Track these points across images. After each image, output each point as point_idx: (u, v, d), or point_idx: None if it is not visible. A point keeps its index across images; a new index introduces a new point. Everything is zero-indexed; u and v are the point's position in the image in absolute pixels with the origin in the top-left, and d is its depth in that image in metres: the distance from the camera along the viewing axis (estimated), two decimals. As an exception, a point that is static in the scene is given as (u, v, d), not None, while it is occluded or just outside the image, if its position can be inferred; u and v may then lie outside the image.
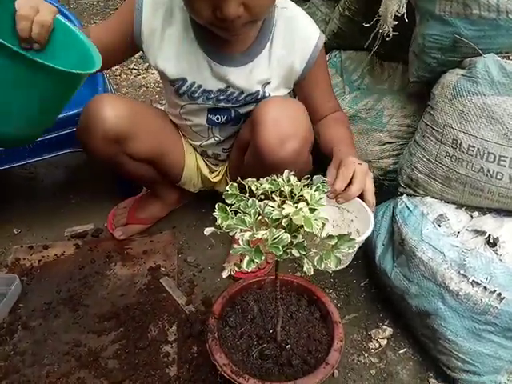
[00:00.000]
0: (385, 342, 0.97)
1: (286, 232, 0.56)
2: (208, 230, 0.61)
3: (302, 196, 0.60)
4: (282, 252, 0.54)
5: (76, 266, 1.17)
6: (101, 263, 1.18)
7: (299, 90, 1.05)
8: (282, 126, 0.87)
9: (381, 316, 1.03)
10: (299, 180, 0.64)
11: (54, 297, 1.08)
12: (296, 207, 0.56)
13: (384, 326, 1.00)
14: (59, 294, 1.09)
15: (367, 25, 1.05)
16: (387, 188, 1.16)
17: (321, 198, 0.57)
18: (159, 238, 1.27)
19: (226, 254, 1.18)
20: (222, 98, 1.01)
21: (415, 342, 0.96)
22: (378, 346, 0.97)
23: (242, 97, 1.00)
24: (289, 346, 0.79)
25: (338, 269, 0.57)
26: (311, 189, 0.62)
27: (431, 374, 0.91)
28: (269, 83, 0.99)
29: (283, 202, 0.60)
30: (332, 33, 1.42)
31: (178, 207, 1.34)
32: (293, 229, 0.56)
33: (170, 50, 0.97)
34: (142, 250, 1.22)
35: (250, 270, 0.55)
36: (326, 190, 0.62)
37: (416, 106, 1.09)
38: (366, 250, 1.10)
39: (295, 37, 0.96)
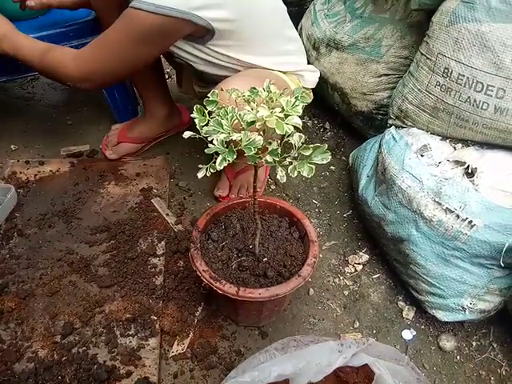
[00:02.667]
0: (360, 267, 1.02)
1: (259, 135, 0.57)
2: (187, 134, 0.62)
3: (278, 103, 0.60)
4: (253, 151, 0.56)
5: (71, 182, 1.21)
6: (95, 181, 1.21)
7: None
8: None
9: (359, 244, 1.07)
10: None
11: (49, 209, 1.13)
12: (271, 111, 0.57)
13: (361, 253, 1.05)
14: (54, 206, 1.14)
15: None
16: (379, 122, 1.16)
17: (297, 105, 0.57)
18: (152, 162, 1.29)
19: (216, 181, 1.21)
20: None
21: (389, 268, 1.01)
22: (353, 270, 1.02)
23: None
24: (265, 259, 0.83)
25: (309, 176, 0.59)
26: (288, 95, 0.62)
27: (400, 298, 0.96)
28: None
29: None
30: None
31: (172, 133, 1.35)
32: (267, 133, 0.57)
33: None
34: (136, 172, 1.25)
35: (221, 167, 0.57)
36: (305, 100, 0.62)
37: (416, 36, 1.05)
38: (352, 182, 1.12)
39: None
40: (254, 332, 0.90)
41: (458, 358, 0.86)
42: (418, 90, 0.90)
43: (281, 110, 0.56)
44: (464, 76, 0.80)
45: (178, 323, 0.91)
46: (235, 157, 0.56)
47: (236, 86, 0.81)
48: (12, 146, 1.32)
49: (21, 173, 1.21)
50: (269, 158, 0.57)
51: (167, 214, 1.12)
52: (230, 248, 0.86)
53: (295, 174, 0.58)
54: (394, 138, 0.93)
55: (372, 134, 1.16)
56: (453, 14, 0.83)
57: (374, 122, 1.17)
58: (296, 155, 0.61)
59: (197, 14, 0.82)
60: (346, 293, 0.98)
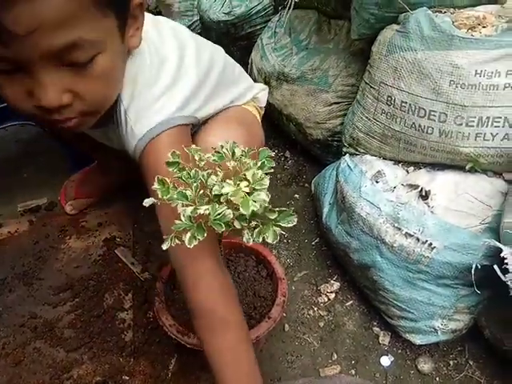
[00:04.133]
0: (333, 295, 1.02)
1: (228, 208, 0.56)
2: (147, 201, 0.60)
3: (244, 175, 0.59)
4: (224, 228, 0.54)
5: (30, 241, 1.16)
6: (55, 237, 1.18)
7: None
8: None
9: (329, 272, 1.07)
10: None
11: (9, 272, 1.08)
12: (238, 185, 0.56)
13: (332, 281, 1.04)
14: (13, 269, 1.09)
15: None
16: (336, 149, 1.17)
17: (264, 178, 0.56)
18: (114, 209, 1.26)
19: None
20: None
21: (360, 294, 1.01)
22: (326, 299, 1.01)
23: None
24: (234, 304, 0.82)
25: (273, 242, 0.58)
26: (256, 163, 0.60)
27: (375, 323, 0.96)
28: None
29: (226, 177, 0.59)
30: (281, -9, 1.39)
31: (131, 178, 1.33)
32: (234, 205, 0.56)
33: None
34: (97, 222, 1.22)
35: (191, 246, 0.53)
36: (270, 166, 0.61)
37: (359, 64, 1.09)
38: (317, 209, 1.13)
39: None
40: (232, 379, 0.87)
41: (437, 379, 0.86)
42: (366, 117, 0.92)
43: (247, 183, 0.55)
44: (406, 103, 0.82)
45: (151, 380, 0.87)
46: (205, 235, 0.54)
47: (217, 134, 0.78)
48: (-35, 207, 1.27)
49: (-23, 237, 1.16)
50: (237, 225, 0.56)
51: (132, 263, 1.09)
52: (197, 296, 0.84)
53: (260, 239, 0.57)
54: (349, 167, 0.94)
55: (330, 161, 1.18)
56: (390, 44, 0.87)
57: (331, 149, 1.19)
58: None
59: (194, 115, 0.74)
60: (322, 324, 0.97)
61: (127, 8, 0.61)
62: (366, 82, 0.94)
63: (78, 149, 1.22)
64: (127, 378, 0.86)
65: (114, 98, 0.69)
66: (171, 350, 0.91)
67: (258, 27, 1.59)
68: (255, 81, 1.38)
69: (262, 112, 1.07)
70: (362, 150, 0.96)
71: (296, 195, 1.29)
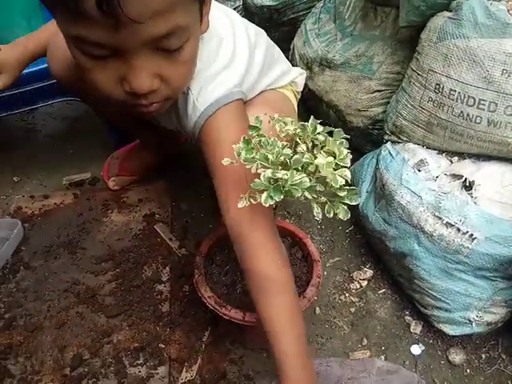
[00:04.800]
0: (365, 283, 1.02)
1: (306, 176, 0.57)
2: (226, 161, 0.59)
3: (329, 149, 0.60)
4: (300, 193, 0.55)
5: (75, 213, 1.22)
6: (98, 211, 1.23)
7: None
8: None
9: (363, 259, 1.08)
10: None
11: (54, 241, 1.14)
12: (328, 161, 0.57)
13: (365, 269, 1.05)
14: (59, 238, 1.15)
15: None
16: (376, 137, 1.17)
17: (347, 156, 0.58)
18: (154, 187, 1.30)
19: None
20: None
21: (393, 283, 1.01)
22: (358, 286, 1.02)
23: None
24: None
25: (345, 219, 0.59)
26: (335, 141, 0.60)
27: (407, 312, 0.96)
28: None
29: (311, 148, 0.61)
30: (327, -23, 1.37)
31: (173, 157, 1.37)
32: (311, 174, 0.57)
33: None
34: (138, 198, 1.26)
35: (267, 205, 0.55)
36: (347, 147, 0.62)
37: (406, 52, 1.07)
38: (353, 197, 1.13)
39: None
40: (262, 355, 0.90)
41: (468, 371, 0.86)
42: (412, 105, 0.91)
43: (333, 159, 0.56)
44: (455, 91, 0.81)
45: (186, 349, 0.91)
46: (282, 197, 0.56)
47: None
48: (15, 178, 1.34)
49: (26, 207, 1.22)
50: (308, 195, 0.58)
51: (170, 239, 1.13)
52: (234, 272, 0.86)
53: (331, 214, 0.58)
54: (391, 154, 0.94)
55: (369, 149, 1.17)
56: (441, 31, 0.85)
57: (371, 137, 1.18)
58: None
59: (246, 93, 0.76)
60: (353, 310, 0.98)
61: None
62: (413, 70, 0.92)
63: (122, 127, 1.27)
64: (163, 346, 0.90)
65: (190, 81, 0.71)
66: (205, 323, 0.94)
67: (301, 13, 1.58)
68: (296, 66, 1.39)
69: (299, 97, 1.08)
70: (405, 138, 0.95)
71: (332, 182, 1.29)
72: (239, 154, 0.57)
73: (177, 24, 0.54)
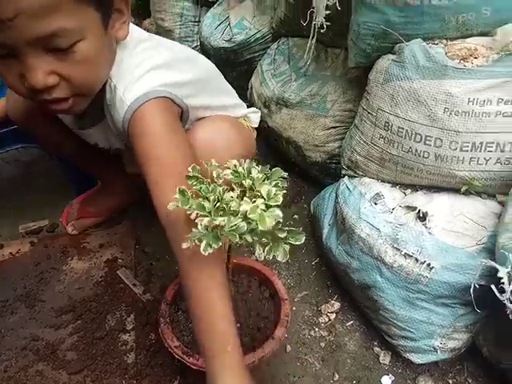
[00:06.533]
0: (333, 315, 1.03)
1: (242, 221, 0.58)
2: (171, 205, 0.61)
3: (259, 192, 0.62)
4: (237, 239, 0.57)
5: (32, 262, 1.17)
6: (57, 258, 1.18)
7: None
8: (217, 152, 0.82)
9: (330, 292, 1.09)
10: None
11: (10, 294, 1.08)
12: (254, 202, 0.58)
13: (333, 301, 1.06)
14: (15, 291, 1.09)
15: (308, 11, 1.08)
16: (334, 171, 1.21)
17: (278, 194, 0.59)
18: (116, 229, 1.28)
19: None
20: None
21: (361, 314, 1.02)
22: (327, 319, 1.03)
23: (112, 150, 0.99)
24: (238, 324, 0.83)
25: (283, 260, 0.61)
26: (270, 183, 0.63)
27: (375, 343, 0.97)
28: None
29: (243, 193, 0.62)
30: (279, 20, 1.45)
31: (134, 201, 1.35)
32: (248, 219, 0.58)
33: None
34: (99, 243, 1.23)
35: (206, 253, 0.56)
36: (283, 186, 0.64)
37: (357, 90, 1.13)
38: (316, 229, 1.15)
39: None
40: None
41: (438, 398, 0.87)
42: (364, 142, 0.95)
43: (262, 200, 0.58)
44: (403, 129, 0.86)
45: (155, 402, 0.87)
46: (220, 244, 0.57)
47: (206, 128, 0.86)
48: (-33, 229, 1.28)
49: (-22, 259, 1.17)
50: (248, 238, 0.59)
51: (134, 285, 1.10)
52: (201, 317, 0.85)
53: (271, 255, 0.60)
54: (349, 188, 0.97)
55: (329, 182, 1.21)
56: (386, 73, 0.91)
57: (329, 171, 1.23)
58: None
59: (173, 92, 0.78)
60: (323, 344, 0.98)
61: (109, 2, 0.70)
62: (363, 108, 0.98)
63: (83, 169, 1.25)
64: (130, 400, 0.86)
65: (102, 81, 0.76)
66: (174, 372, 0.91)
67: (257, 54, 1.64)
68: (255, 105, 1.43)
69: (255, 134, 1.11)
70: (361, 173, 0.99)
71: (295, 216, 1.31)
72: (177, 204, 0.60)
73: (60, 26, 0.61)
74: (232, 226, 0.57)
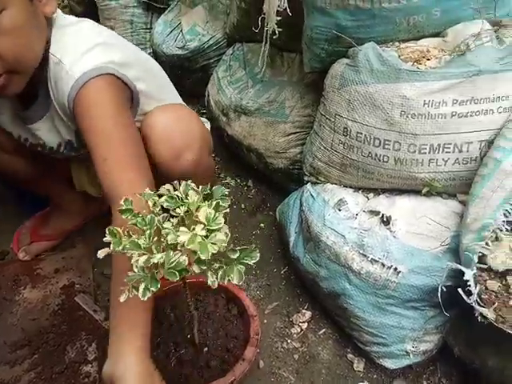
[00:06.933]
0: (305, 325, 1.01)
1: (183, 254, 0.54)
2: (101, 253, 0.59)
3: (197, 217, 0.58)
4: (178, 277, 0.53)
5: (-20, 294, 1.08)
6: (8, 288, 1.10)
7: None
8: (174, 140, 0.84)
9: (300, 301, 1.07)
10: (202, 185, 0.62)
11: (-43, 331, 0.99)
12: (193, 229, 0.54)
13: (304, 311, 1.04)
14: (-37, 327, 1.00)
15: (259, 17, 1.06)
16: (297, 177, 1.19)
17: (218, 216, 0.56)
18: (72, 253, 1.20)
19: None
20: (43, 149, 0.95)
21: (332, 321, 1.01)
22: (299, 330, 1.01)
23: (63, 148, 0.93)
24: (206, 348, 0.79)
25: (240, 283, 0.58)
26: (210, 204, 0.59)
27: (348, 350, 0.96)
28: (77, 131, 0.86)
29: (183, 220, 0.58)
30: (232, 25, 1.42)
31: (90, 219, 1.28)
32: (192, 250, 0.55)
33: (1, 113, 0.92)
34: (54, 268, 1.15)
35: (145, 298, 0.53)
36: (226, 205, 0.60)
37: (314, 95, 1.12)
38: (283, 237, 1.13)
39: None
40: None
41: (413, 401, 0.87)
42: (325, 148, 0.94)
43: (202, 226, 0.54)
44: (362, 134, 0.85)
45: None
46: (159, 286, 0.53)
47: (163, 116, 0.85)
48: None
49: None
50: (196, 269, 0.55)
51: (95, 311, 1.04)
52: (166, 343, 0.80)
53: (226, 280, 0.57)
54: (312, 196, 0.96)
55: (293, 188, 1.19)
56: (342, 78, 0.90)
57: (293, 177, 1.21)
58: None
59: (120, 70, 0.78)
60: (296, 357, 0.96)
61: None
62: (321, 114, 0.96)
63: (33, 190, 1.17)
64: None
65: (35, 57, 0.76)
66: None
67: (212, 60, 1.61)
68: (213, 113, 1.39)
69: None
70: (323, 179, 0.98)
71: (261, 224, 1.29)
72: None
73: None
74: (171, 263, 0.53)
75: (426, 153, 0.82)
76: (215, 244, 0.53)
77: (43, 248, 1.19)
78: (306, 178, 1.03)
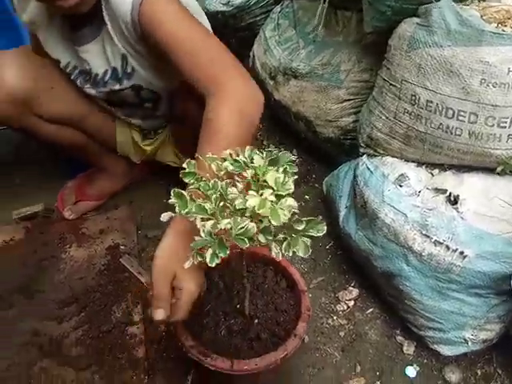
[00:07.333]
0: (352, 303, 0.98)
1: (251, 221, 0.51)
2: (165, 216, 0.56)
3: (265, 181, 0.54)
4: (247, 244, 0.50)
5: (28, 250, 1.10)
6: (54, 246, 1.12)
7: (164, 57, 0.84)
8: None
9: (347, 277, 1.03)
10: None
11: (6, 286, 1.02)
12: (261, 195, 0.51)
13: (350, 288, 1.00)
14: (12, 281, 1.03)
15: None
16: (348, 148, 1.13)
17: (288, 181, 0.52)
18: (116, 214, 1.20)
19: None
20: (89, 79, 0.95)
21: (381, 301, 0.97)
22: (345, 307, 0.98)
23: (108, 77, 0.93)
24: (257, 320, 0.77)
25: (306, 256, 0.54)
26: (277, 169, 0.56)
27: (398, 332, 0.92)
28: (125, 57, 0.88)
29: (247, 185, 0.55)
30: (283, -20, 1.32)
31: (134, 181, 1.27)
32: (258, 216, 0.51)
33: (51, 37, 0.93)
34: (99, 228, 1.16)
35: (213, 264, 0.51)
36: (294, 171, 0.57)
37: (373, 58, 1.04)
38: (331, 211, 1.08)
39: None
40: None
41: (466, 389, 0.83)
42: (386, 117, 0.87)
43: (271, 191, 0.50)
44: (433, 102, 0.78)
45: (169, 399, 0.83)
46: (228, 252, 0.50)
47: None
48: (-45, 216, 1.20)
49: (-30, 249, 1.09)
50: (262, 239, 0.52)
51: (139, 273, 1.04)
52: (215, 312, 0.79)
53: (290, 252, 0.53)
54: (369, 169, 0.90)
55: (343, 159, 1.13)
56: (411, 39, 0.81)
57: (343, 148, 1.14)
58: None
59: None
60: (342, 334, 0.93)
61: None
62: (384, 79, 0.89)
63: (81, 158, 1.17)
64: (142, 398, 0.82)
65: None
66: (187, 365, 0.86)
67: (259, 18, 1.52)
68: (259, 76, 1.32)
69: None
70: (382, 151, 0.91)
71: (306, 196, 1.24)
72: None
73: None
74: (239, 229, 0.50)
75: (505, 127, 0.74)
76: (285, 210, 0.49)
77: (88, 207, 1.19)
78: (361, 150, 0.97)
